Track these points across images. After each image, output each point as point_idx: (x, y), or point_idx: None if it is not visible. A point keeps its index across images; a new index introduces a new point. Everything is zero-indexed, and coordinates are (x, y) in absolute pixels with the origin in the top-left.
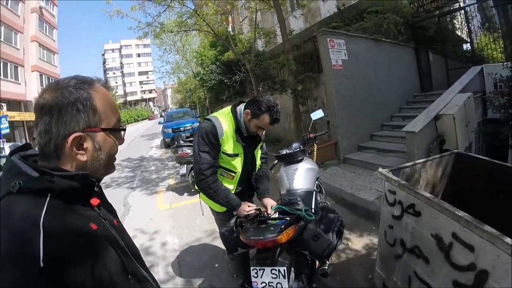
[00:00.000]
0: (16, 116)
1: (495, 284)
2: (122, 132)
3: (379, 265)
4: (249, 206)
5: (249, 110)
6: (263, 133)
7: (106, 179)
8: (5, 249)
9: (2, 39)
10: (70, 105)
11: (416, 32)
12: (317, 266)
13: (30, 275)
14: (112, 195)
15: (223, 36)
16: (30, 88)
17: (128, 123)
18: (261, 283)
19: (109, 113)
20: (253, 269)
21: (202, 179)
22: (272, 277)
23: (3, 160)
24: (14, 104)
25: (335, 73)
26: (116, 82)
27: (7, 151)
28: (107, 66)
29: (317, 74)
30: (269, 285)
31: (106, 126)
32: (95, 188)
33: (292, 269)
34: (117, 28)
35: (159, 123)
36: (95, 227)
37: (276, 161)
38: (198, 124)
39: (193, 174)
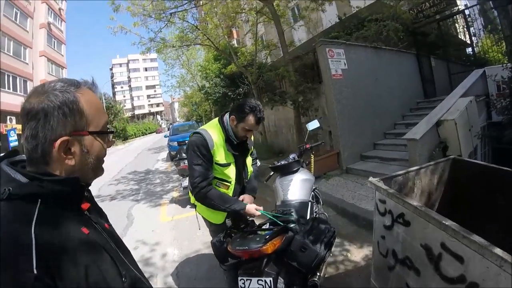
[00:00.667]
0: None
1: None
2: (110, 135)
3: (374, 277)
4: (256, 209)
5: (233, 116)
6: (252, 136)
7: (111, 191)
8: None
9: (11, 54)
10: (56, 109)
11: (417, 38)
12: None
13: (24, 283)
14: (117, 207)
15: (226, 49)
16: None
17: (136, 137)
18: None
19: (96, 116)
20: (240, 279)
21: (198, 192)
22: (258, 287)
23: None
24: None
25: (335, 83)
26: (124, 96)
27: None
28: (115, 80)
29: (318, 84)
30: None
31: (93, 129)
32: (85, 192)
33: (282, 280)
34: (125, 42)
35: (165, 136)
36: (87, 232)
37: (272, 172)
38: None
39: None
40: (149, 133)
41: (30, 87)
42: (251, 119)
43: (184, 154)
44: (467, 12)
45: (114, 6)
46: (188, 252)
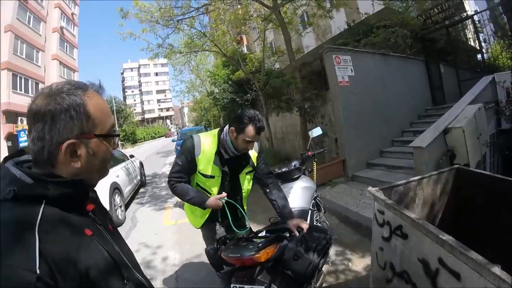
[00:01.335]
0: None
1: None
2: (116, 137)
3: None
4: (217, 198)
5: (233, 128)
6: (254, 147)
7: None
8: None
9: (20, 55)
10: (63, 112)
11: (425, 45)
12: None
13: (27, 283)
14: None
15: (234, 56)
16: None
17: (145, 140)
18: None
19: (103, 119)
20: (232, 287)
21: (169, 181)
22: None
23: None
24: None
25: (342, 90)
26: (135, 100)
27: None
28: (125, 84)
29: (324, 91)
30: None
31: (100, 132)
32: (90, 193)
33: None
34: (136, 48)
35: (173, 140)
36: (90, 233)
37: None
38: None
39: None
40: (158, 137)
41: None
42: (250, 129)
43: None
44: (476, 17)
45: (123, 13)
46: (189, 257)
